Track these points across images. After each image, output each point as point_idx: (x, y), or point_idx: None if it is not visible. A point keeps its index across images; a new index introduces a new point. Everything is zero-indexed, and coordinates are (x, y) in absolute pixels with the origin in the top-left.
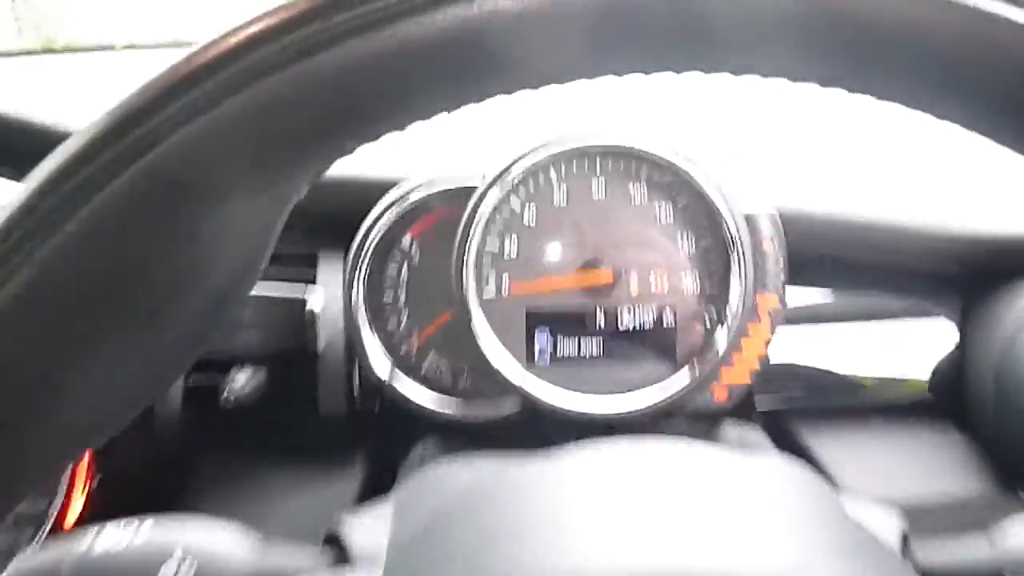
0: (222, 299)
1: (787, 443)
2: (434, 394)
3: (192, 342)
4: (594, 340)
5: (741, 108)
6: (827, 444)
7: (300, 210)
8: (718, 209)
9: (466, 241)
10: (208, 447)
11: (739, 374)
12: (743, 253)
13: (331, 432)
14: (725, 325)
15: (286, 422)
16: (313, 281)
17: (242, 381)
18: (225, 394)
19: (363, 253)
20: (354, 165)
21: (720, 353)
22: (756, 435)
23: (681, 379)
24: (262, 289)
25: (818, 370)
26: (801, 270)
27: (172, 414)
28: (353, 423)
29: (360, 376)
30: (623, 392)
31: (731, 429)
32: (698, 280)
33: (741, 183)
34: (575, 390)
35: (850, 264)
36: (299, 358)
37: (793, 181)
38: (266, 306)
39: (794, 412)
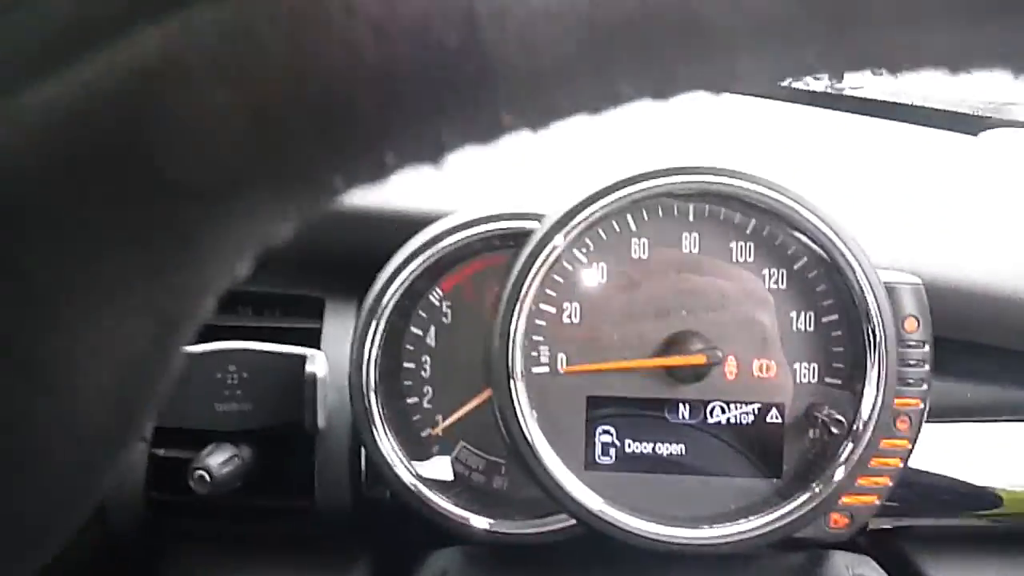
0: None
1: None
2: (461, 500)
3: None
4: (674, 442)
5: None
6: None
7: (307, 241)
8: (851, 276)
9: (515, 301)
10: (178, 540)
11: (865, 498)
12: (883, 337)
13: (329, 528)
14: (853, 436)
15: (274, 513)
16: (318, 337)
17: (221, 459)
18: (198, 474)
19: (380, 307)
20: (382, 193)
21: (844, 473)
22: (872, 571)
23: (789, 504)
24: (251, 343)
25: (946, 478)
26: (942, 358)
27: (132, 497)
28: (357, 517)
29: (367, 461)
30: (710, 517)
31: (842, 561)
32: (818, 372)
33: (876, 242)
34: (646, 509)
35: (1001, 350)
36: (294, 434)
37: (919, 242)
38: (254, 366)
39: (914, 535)
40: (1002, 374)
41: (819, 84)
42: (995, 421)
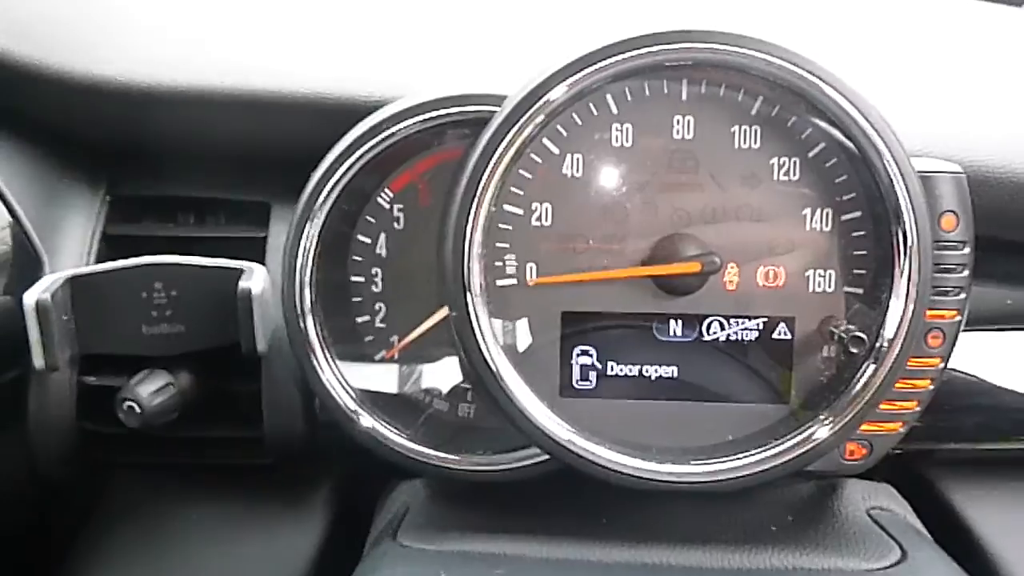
0: None
1: (936, 514)
2: (420, 432)
3: None
4: (664, 363)
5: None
6: (990, 516)
7: (248, 136)
8: (878, 163)
9: (471, 200)
10: (115, 474)
11: (888, 426)
12: (916, 237)
13: (282, 458)
14: (876, 355)
15: (220, 443)
16: (263, 247)
17: (153, 388)
18: (127, 405)
19: (314, 210)
20: (333, 76)
21: (864, 399)
22: (893, 502)
23: (798, 435)
24: (177, 257)
25: (982, 395)
26: (979, 259)
27: (62, 430)
28: (312, 446)
29: None
30: (705, 450)
31: (858, 491)
32: (836, 280)
33: (908, 126)
34: (631, 442)
35: None
36: (238, 358)
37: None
38: (184, 282)
39: (939, 459)
40: None
41: None
42: None
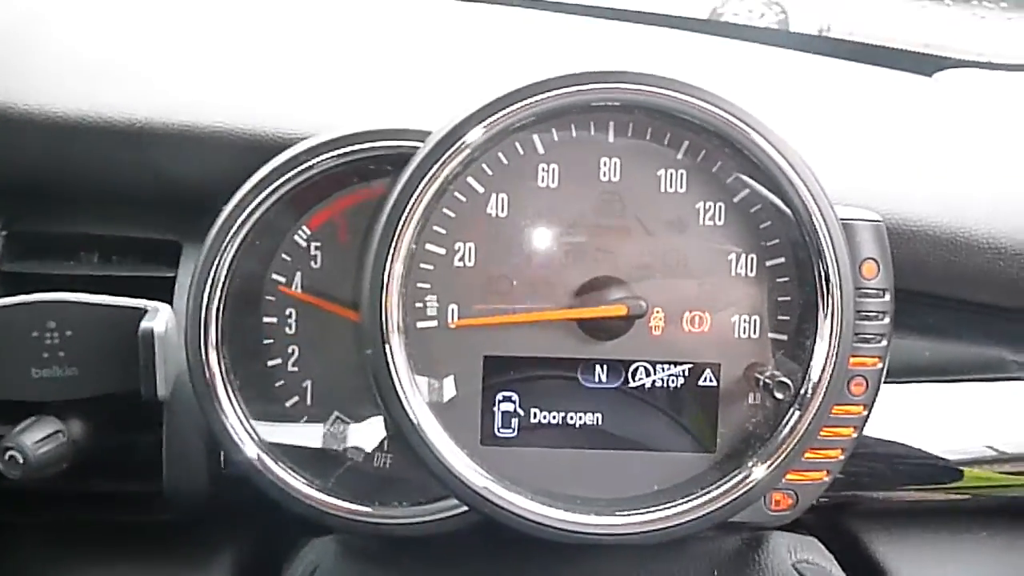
0: None
1: (861, 566)
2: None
3: None
4: (589, 410)
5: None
6: (912, 567)
7: (159, 172)
8: (802, 210)
9: (391, 238)
10: (5, 532)
11: (813, 475)
12: (839, 283)
13: (183, 514)
14: (801, 402)
15: (116, 499)
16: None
17: (39, 436)
18: (9, 455)
19: (222, 246)
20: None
21: (791, 447)
22: (819, 555)
23: (724, 484)
24: (74, 295)
25: (901, 446)
26: (898, 312)
27: None
28: (215, 501)
29: None
30: (630, 500)
31: (783, 544)
32: (760, 325)
33: (830, 177)
34: (554, 492)
35: (963, 302)
36: (135, 405)
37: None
38: (79, 322)
39: (863, 510)
40: (964, 330)
41: (767, 20)
42: (956, 381)
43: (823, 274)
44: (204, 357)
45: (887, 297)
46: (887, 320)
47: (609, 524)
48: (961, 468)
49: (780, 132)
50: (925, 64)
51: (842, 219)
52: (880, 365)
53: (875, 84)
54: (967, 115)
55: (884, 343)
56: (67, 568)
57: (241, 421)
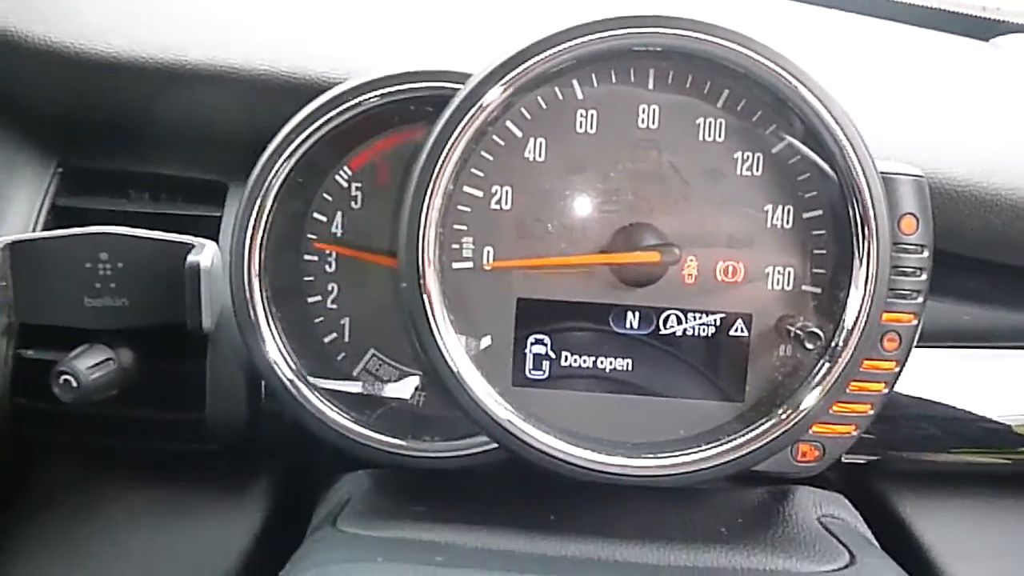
0: None
1: (887, 525)
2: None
3: None
4: (619, 356)
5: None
6: (940, 530)
7: (207, 112)
8: (842, 162)
9: (429, 179)
10: (50, 454)
11: (841, 428)
12: (876, 237)
13: (222, 444)
14: (831, 354)
15: (159, 426)
16: (217, 227)
17: (91, 362)
18: (63, 379)
19: (265, 184)
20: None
21: (817, 398)
22: (844, 511)
23: (750, 432)
24: (126, 228)
25: (936, 408)
26: (937, 274)
27: None
28: (254, 433)
29: None
30: (657, 445)
31: (809, 498)
32: (794, 277)
33: (874, 132)
34: (582, 434)
35: (1005, 267)
36: (182, 336)
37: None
38: (130, 255)
39: (893, 471)
40: (1004, 295)
41: None
42: (994, 347)
43: (860, 227)
44: (247, 290)
45: (925, 253)
46: (924, 276)
47: (634, 466)
48: (1000, 433)
49: (822, 81)
50: (982, 28)
51: (883, 172)
52: (915, 322)
53: (930, 48)
54: (1022, 80)
55: (920, 300)
56: (112, 490)
57: (282, 353)
